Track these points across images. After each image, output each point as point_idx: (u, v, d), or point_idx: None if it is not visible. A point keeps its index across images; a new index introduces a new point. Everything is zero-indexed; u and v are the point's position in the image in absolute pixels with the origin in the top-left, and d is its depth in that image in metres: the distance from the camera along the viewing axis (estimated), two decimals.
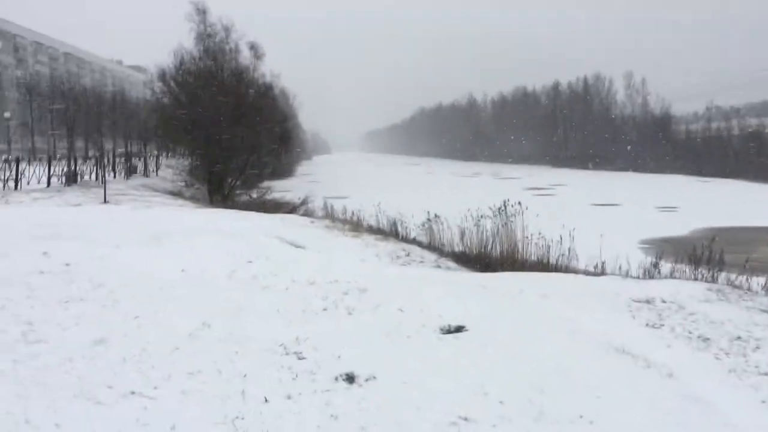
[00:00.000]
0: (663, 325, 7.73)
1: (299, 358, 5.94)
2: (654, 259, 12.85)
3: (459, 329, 7.12)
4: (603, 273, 14.01)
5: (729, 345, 6.99)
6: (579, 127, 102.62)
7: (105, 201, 21.50)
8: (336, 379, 5.43)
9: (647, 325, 7.72)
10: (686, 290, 9.39)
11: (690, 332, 7.49)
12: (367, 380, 5.40)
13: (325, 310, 7.97)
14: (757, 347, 6.87)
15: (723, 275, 11.48)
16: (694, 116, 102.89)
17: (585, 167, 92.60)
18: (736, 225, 30.86)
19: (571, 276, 10.89)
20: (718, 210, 38.12)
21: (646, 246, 24.03)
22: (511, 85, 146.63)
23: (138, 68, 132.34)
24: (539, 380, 5.45)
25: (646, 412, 4.97)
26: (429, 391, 5.14)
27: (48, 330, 6.35)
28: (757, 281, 11.07)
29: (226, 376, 5.41)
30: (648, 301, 8.82)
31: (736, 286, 10.19)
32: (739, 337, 7.23)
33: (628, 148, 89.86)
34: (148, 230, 14.02)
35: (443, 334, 6.97)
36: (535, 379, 5.46)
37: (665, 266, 12.58)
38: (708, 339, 7.21)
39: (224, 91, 33.26)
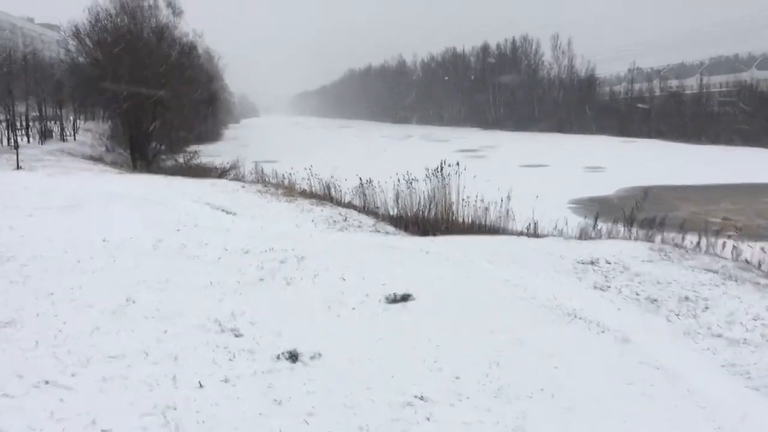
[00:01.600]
0: (610, 287, 7.59)
1: (236, 336, 5.42)
2: (589, 220, 12.86)
3: (405, 298, 6.75)
4: (537, 233, 14.06)
5: (678, 306, 6.89)
6: (507, 89, 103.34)
7: (18, 167, 20.14)
8: (278, 357, 4.95)
9: (595, 287, 7.56)
10: (628, 250, 9.32)
11: (637, 294, 7.37)
12: (311, 358, 4.94)
13: (261, 280, 7.46)
14: (706, 307, 6.79)
15: (658, 235, 11.55)
16: (617, 78, 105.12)
17: (514, 129, 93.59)
18: (659, 184, 31.58)
19: (512, 238, 10.69)
20: (641, 169, 38.97)
21: (575, 206, 24.25)
22: (441, 46, 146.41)
23: (51, 26, 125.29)
24: (494, 352, 5.14)
25: (608, 382, 4.74)
26: (380, 369, 4.74)
27: None
28: (690, 239, 11.13)
29: (153, 358, 4.85)
30: (592, 263, 8.69)
31: (677, 245, 10.20)
32: (686, 298, 7.15)
33: (555, 109, 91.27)
34: (65, 197, 13.10)
35: (389, 303, 6.58)
36: (489, 351, 5.14)
37: (601, 226, 12.58)
38: (656, 300, 7.10)
39: (144, 50, 31.63)
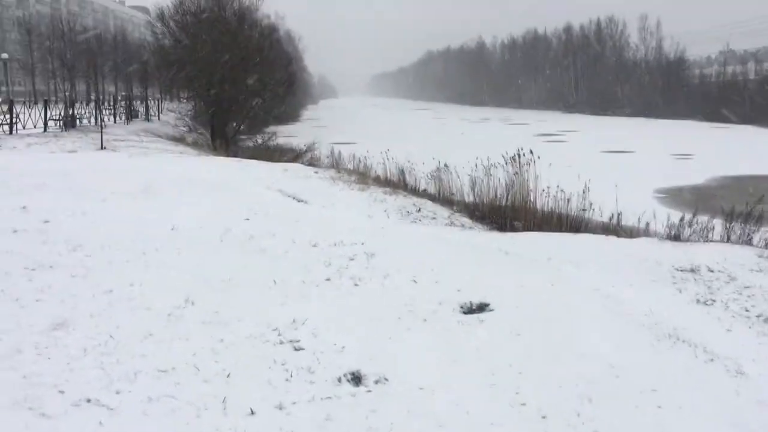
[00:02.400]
0: (715, 301, 6.75)
1: (295, 349, 4.96)
2: (681, 214, 11.85)
3: (482, 308, 6.14)
4: (620, 225, 13.13)
5: None
6: (591, 71, 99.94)
7: (102, 147, 20.48)
8: (339, 380, 4.45)
9: (697, 301, 6.73)
10: (734, 257, 8.38)
11: (747, 310, 6.51)
12: (376, 382, 4.42)
13: (328, 280, 7.00)
14: None
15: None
16: (708, 61, 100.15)
17: (596, 113, 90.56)
18: (753, 173, 29.61)
19: (600, 239, 9.86)
20: (734, 157, 36.80)
21: (662, 195, 22.94)
22: (523, 27, 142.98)
23: (140, 8, 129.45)
24: (585, 383, 4.48)
25: (725, 429, 4.01)
26: (454, 401, 4.17)
27: (1, 309, 5.40)
28: None
29: (204, 375, 4.45)
30: (693, 270, 7.82)
31: None
32: None
33: (640, 93, 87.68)
34: (141, 181, 13.03)
35: (464, 313, 5.99)
36: (580, 382, 4.49)
37: (695, 224, 11.52)
38: None
39: (227, 32, 31.79)
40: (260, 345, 5.02)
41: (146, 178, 13.40)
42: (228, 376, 4.44)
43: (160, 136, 30.47)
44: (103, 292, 6.02)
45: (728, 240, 10.84)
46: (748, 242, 10.62)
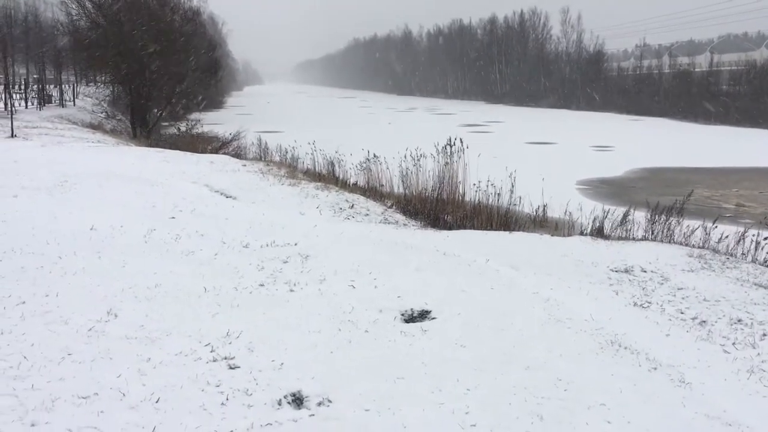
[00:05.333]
0: (651, 304, 6.80)
1: (231, 368, 4.63)
2: (608, 209, 12.11)
3: (423, 315, 5.96)
4: (546, 218, 13.41)
5: (731, 331, 6.11)
6: (514, 63, 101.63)
7: (12, 135, 19.28)
8: (279, 403, 4.16)
9: (634, 303, 6.77)
10: (665, 256, 8.51)
11: (682, 312, 6.59)
12: (319, 404, 4.15)
13: (261, 285, 6.67)
14: (764, 334, 6.01)
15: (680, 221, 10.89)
16: (625, 54, 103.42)
17: (520, 104, 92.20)
18: (669, 165, 30.75)
19: (536, 237, 9.86)
20: (651, 149, 38.12)
21: (584, 187, 23.48)
22: (448, 17, 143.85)
23: None
24: (534, 399, 4.34)
25: None
26: (402, 423, 3.95)
27: None
28: (724, 243, 10.20)
29: (131, 401, 4.07)
30: (627, 271, 7.89)
31: (716, 251, 9.38)
32: (739, 320, 6.37)
33: (562, 85, 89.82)
34: (55, 175, 12.29)
35: (405, 322, 5.79)
36: (529, 398, 4.35)
37: (617, 212, 11.77)
38: (705, 322, 6.32)
39: (146, 14, 30.54)
40: (192, 364, 4.66)
41: (62, 171, 12.64)
42: (157, 401, 4.08)
43: (75, 123, 29.04)
44: (14, 304, 5.51)
45: (652, 233, 11.11)
46: (671, 236, 10.92)
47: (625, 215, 10.93)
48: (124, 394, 4.14)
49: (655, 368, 5.07)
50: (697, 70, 71.26)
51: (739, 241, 9.80)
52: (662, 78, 75.80)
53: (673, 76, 73.28)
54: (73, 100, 40.65)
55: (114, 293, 5.98)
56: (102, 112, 36.07)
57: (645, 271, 7.88)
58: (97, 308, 5.57)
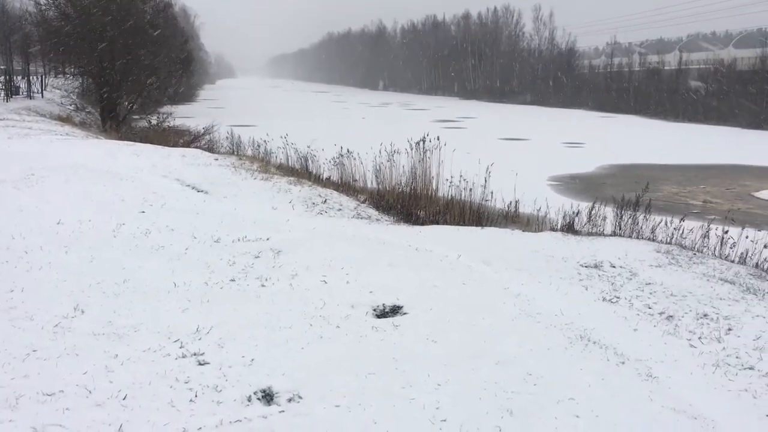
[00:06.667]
0: (619, 299, 6.88)
1: (200, 363, 4.59)
2: (578, 204, 12.25)
3: (395, 310, 5.96)
4: (518, 213, 13.51)
5: (697, 325, 6.20)
6: (488, 59, 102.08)
7: None
8: (249, 399, 4.13)
9: (603, 299, 6.84)
10: (634, 252, 8.62)
11: (650, 307, 6.67)
12: (289, 401, 4.14)
13: (232, 281, 6.62)
14: (729, 329, 6.11)
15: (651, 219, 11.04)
16: (596, 52, 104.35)
17: (492, 100, 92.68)
18: (639, 162, 31.15)
19: (507, 233, 9.92)
20: (620, 146, 38.53)
21: (557, 183, 23.67)
22: (422, 13, 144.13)
23: None
24: (504, 394, 4.37)
25: None
26: (372, 419, 3.94)
27: None
28: (691, 238, 10.36)
29: (97, 398, 4.01)
30: (596, 266, 7.97)
31: (683, 247, 9.52)
32: (705, 315, 6.47)
33: (534, 81, 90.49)
34: (21, 168, 12.04)
35: (377, 317, 5.79)
36: (499, 393, 4.37)
37: (587, 208, 11.90)
38: (672, 317, 6.40)
39: (116, 5, 30.04)
40: (160, 360, 4.61)
41: (28, 164, 12.40)
42: (124, 398, 4.03)
43: (43, 115, 28.52)
44: None
45: (620, 228, 11.25)
46: (639, 232, 11.07)
47: (591, 211, 11.05)
48: (90, 391, 4.08)
49: (623, 363, 5.13)
50: (666, 68, 72.20)
51: (705, 236, 9.96)
52: (632, 76, 76.69)
53: (643, 74, 74.17)
54: (42, 92, 39.94)
55: (81, 288, 5.89)
56: (71, 105, 35.42)
57: (614, 267, 7.97)
58: (63, 304, 5.48)
